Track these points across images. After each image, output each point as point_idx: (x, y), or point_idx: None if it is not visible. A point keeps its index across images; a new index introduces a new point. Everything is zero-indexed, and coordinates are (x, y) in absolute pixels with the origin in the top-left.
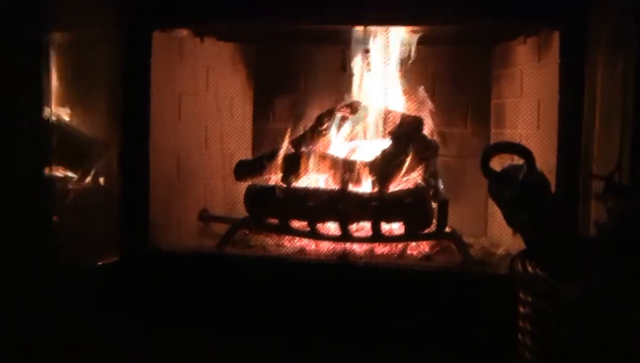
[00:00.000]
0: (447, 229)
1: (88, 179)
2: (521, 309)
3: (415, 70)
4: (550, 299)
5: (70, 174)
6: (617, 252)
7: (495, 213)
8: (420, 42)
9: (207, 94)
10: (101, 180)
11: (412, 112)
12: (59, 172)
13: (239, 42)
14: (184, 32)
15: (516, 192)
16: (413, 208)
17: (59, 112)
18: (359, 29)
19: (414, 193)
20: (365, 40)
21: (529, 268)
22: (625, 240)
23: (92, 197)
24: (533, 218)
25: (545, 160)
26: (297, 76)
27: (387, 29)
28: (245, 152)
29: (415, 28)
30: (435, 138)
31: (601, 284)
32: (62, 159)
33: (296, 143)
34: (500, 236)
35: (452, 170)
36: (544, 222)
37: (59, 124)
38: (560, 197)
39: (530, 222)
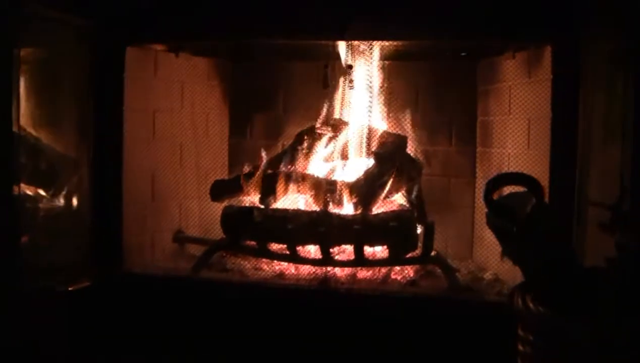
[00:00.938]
0: (432, 253)
1: (60, 198)
2: (520, 347)
3: (398, 87)
4: (557, 338)
5: (41, 193)
6: (634, 292)
7: (482, 236)
8: (403, 57)
9: (182, 111)
10: (74, 199)
11: (396, 130)
12: (29, 191)
13: (214, 57)
14: (159, 47)
15: (523, 226)
16: (397, 232)
17: (29, 129)
18: (341, 44)
19: (399, 215)
20: (347, 56)
21: (531, 305)
22: None
23: (63, 217)
24: (539, 253)
25: (541, 182)
26: (276, 92)
27: (370, 44)
28: (221, 171)
29: (399, 43)
30: (419, 157)
31: (621, 325)
32: (33, 177)
33: (274, 162)
34: (487, 259)
35: (437, 189)
36: (549, 256)
37: (29, 141)
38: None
39: (535, 257)
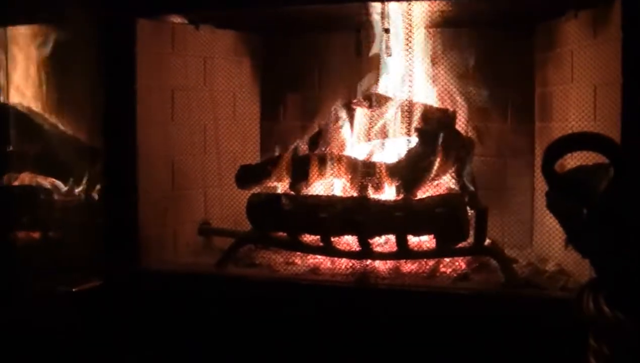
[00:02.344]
0: (487, 242)
1: (78, 190)
2: (593, 361)
3: (443, 57)
4: None
5: (58, 184)
6: None
7: (543, 221)
8: (449, 23)
9: (204, 90)
10: (93, 191)
11: (442, 105)
12: (45, 182)
13: (240, 30)
14: (176, 19)
15: (596, 208)
16: (445, 219)
17: (45, 114)
18: (376, 5)
19: (446, 200)
20: (384, 20)
21: (606, 309)
22: None
23: (80, 210)
24: (616, 244)
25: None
26: (310, 67)
27: (410, 5)
28: (251, 156)
29: (443, 5)
30: (469, 134)
31: None
32: (49, 166)
33: (307, 144)
34: (548, 247)
35: (491, 171)
36: (630, 248)
37: (43, 128)
38: None
39: (611, 248)
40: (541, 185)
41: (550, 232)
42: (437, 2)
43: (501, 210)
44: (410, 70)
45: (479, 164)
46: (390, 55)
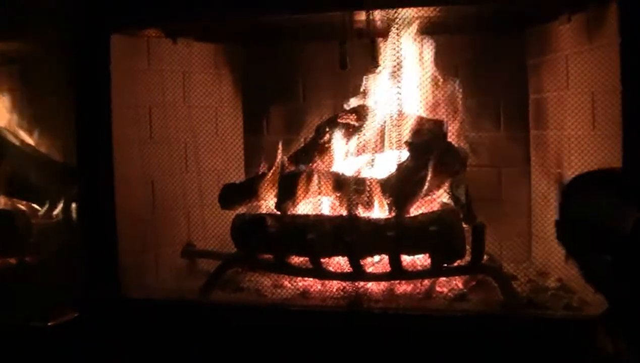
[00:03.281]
0: (484, 258)
1: (55, 213)
2: None
3: (433, 64)
4: None
5: (35, 207)
6: None
7: (541, 233)
8: (438, 30)
9: (184, 106)
10: (70, 213)
11: (432, 115)
12: (21, 205)
13: (220, 41)
14: (152, 33)
15: (621, 252)
16: (440, 237)
17: (18, 133)
18: (361, 15)
19: (441, 217)
20: (369, 30)
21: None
22: None
23: (56, 235)
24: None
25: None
26: (294, 80)
27: (396, 12)
28: (235, 173)
29: (430, 11)
30: (462, 144)
31: None
32: (24, 189)
33: (293, 160)
34: (547, 260)
35: (485, 182)
36: None
37: (18, 149)
38: None
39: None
40: (538, 196)
41: (548, 245)
42: (424, 8)
43: (496, 223)
44: (398, 80)
45: (472, 175)
46: (377, 67)
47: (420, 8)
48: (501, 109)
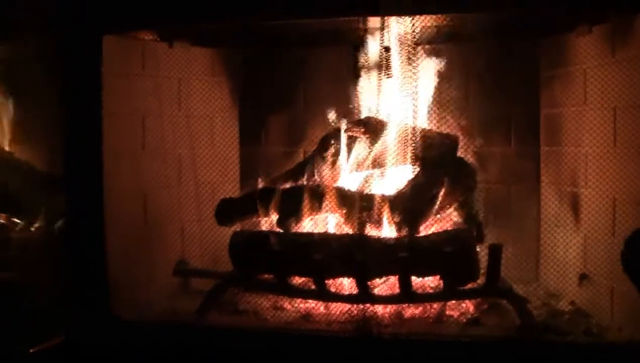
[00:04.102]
0: None
1: (35, 226)
2: None
3: (445, 75)
4: None
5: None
6: None
7: (550, 252)
8: (450, 38)
9: (179, 114)
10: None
11: (443, 129)
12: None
13: (219, 46)
14: (147, 36)
15: None
16: (455, 258)
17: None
18: (374, 22)
19: (455, 237)
20: (383, 37)
21: None
22: None
23: (36, 250)
24: None
25: (629, 189)
26: (295, 88)
27: (411, 20)
28: (231, 186)
29: (442, 20)
30: (471, 160)
31: None
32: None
33: (295, 174)
34: (558, 281)
35: (493, 199)
36: None
37: None
38: None
39: None
40: (548, 214)
41: (559, 266)
42: (436, 16)
43: (504, 241)
44: (409, 92)
45: (480, 191)
46: (391, 77)
47: (432, 16)
48: (512, 123)
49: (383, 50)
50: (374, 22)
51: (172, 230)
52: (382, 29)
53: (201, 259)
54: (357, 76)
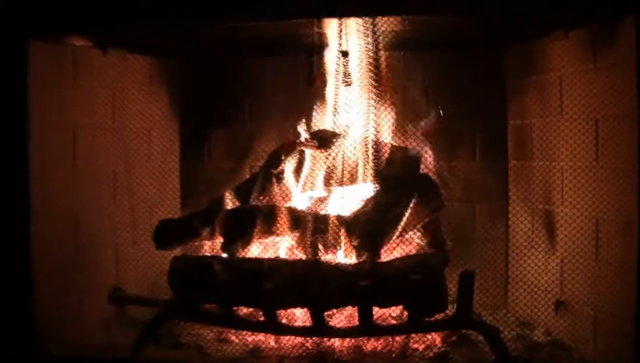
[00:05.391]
0: None
1: None
2: None
3: (405, 84)
4: None
5: None
6: None
7: (520, 276)
8: (411, 45)
9: (114, 127)
10: None
11: (403, 143)
12: None
13: (157, 55)
14: (79, 42)
15: None
16: (422, 287)
17: None
18: (330, 25)
19: (423, 263)
20: (338, 42)
21: None
22: None
23: None
24: None
25: (615, 208)
26: (241, 99)
27: (371, 23)
28: (171, 205)
29: (401, 24)
30: (433, 177)
31: None
32: None
33: (242, 193)
34: (530, 309)
35: (456, 218)
36: None
37: None
38: None
39: None
40: (518, 235)
41: (530, 291)
42: (394, 20)
43: (469, 265)
44: (367, 101)
45: (443, 210)
46: (349, 85)
47: (390, 21)
48: (477, 136)
49: (340, 55)
50: (329, 25)
51: (106, 254)
52: (339, 31)
53: (139, 285)
54: (310, 84)
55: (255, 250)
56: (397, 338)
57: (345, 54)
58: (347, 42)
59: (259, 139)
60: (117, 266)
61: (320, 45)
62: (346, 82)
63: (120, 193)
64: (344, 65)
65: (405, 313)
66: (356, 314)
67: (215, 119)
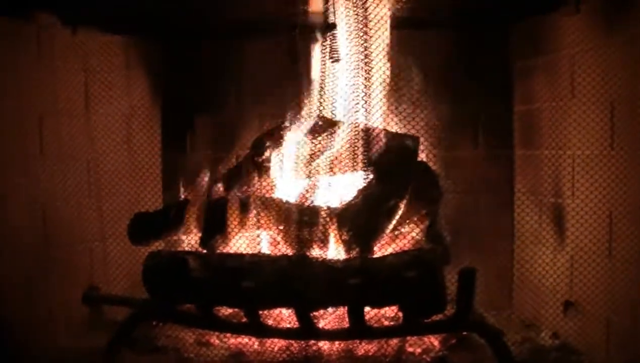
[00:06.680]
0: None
1: None
2: None
3: (401, 66)
4: None
5: None
6: None
7: (526, 274)
8: (408, 23)
9: (87, 114)
10: None
11: (402, 129)
12: None
13: (134, 34)
14: (43, 18)
15: None
16: (418, 285)
17: None
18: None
19: (419, 260)
20: (325, 11)
21: None
22: None
23: None
24: None
25: (631, 199)
26: (224, 83)
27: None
28: (151, 198)
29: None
30: (433, 166)
31: None
32: None
33: (223, 184)
34: (534, 309)
35: (458, 211)
36: None
37: None
38: None
39: None
40: (524, 230)
41: (537, 291)
42: None
43: (472, 261)
44: (362, 83)
45: (444, 202)
46: (337, 61)
47: None
48: (479, 123)
49: (326, 27)
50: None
51: (79, 250)
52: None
53: (115, 284)
54: (294, 62)
55: (237, 245)
56: (392, 341)
57: (331, 26)
58: (335, 13)
59: (245, 127)
60: (92, 263)
61: (305, 21)
62: (333, 58)
63: (94, 185)
64: (331, 40)
65: (400, 313)
66: (346, 315)
67: (198, 105)
